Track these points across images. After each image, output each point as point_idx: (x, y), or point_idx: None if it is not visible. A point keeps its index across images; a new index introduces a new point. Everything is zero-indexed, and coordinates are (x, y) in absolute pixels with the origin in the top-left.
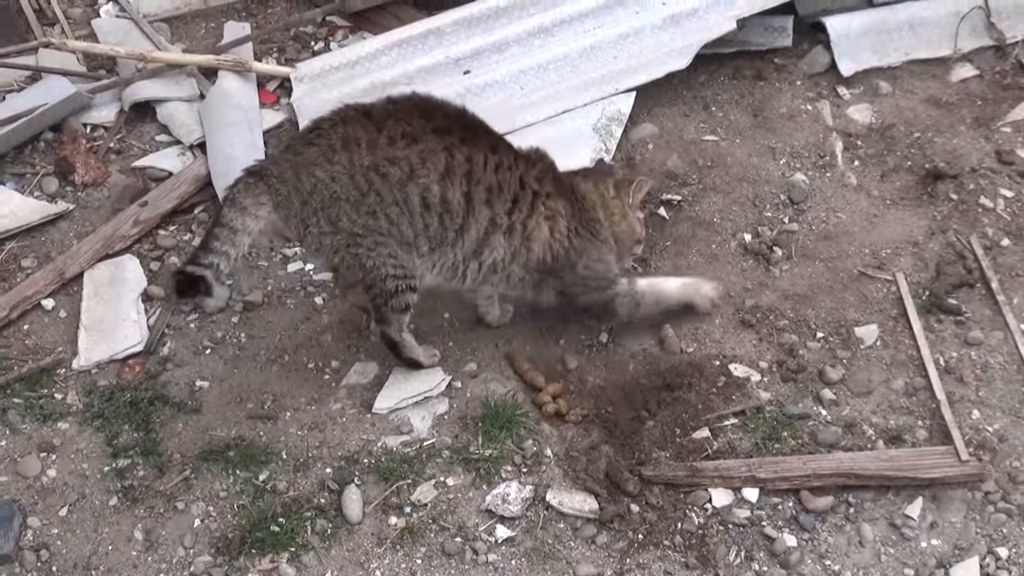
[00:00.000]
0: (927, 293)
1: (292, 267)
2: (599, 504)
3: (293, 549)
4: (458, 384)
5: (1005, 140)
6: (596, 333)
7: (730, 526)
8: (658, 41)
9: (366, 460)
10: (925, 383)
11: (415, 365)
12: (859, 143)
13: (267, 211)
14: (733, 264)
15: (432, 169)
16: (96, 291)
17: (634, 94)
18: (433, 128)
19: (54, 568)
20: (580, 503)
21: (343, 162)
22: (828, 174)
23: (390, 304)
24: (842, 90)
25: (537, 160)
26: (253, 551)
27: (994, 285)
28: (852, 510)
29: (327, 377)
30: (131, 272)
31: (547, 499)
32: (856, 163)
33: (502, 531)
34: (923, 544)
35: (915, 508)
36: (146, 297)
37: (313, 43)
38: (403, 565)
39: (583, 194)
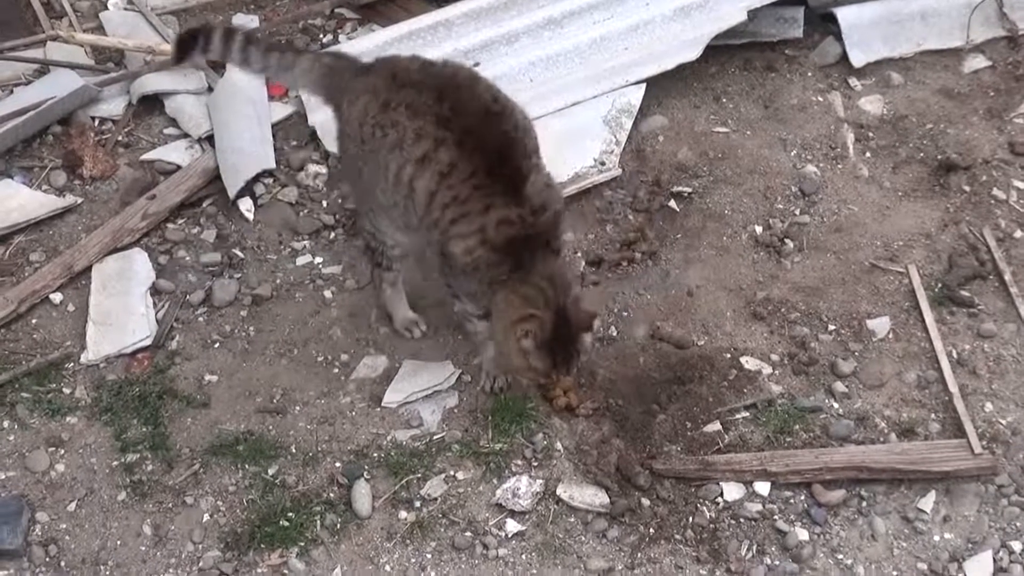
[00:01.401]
0: (939, 285)
1: (301, 260)
2: (610, 498)
3: (302, 544)
4: (468, 378)
5: (1018, 131)
6: (605, 326)
7: (742, 520)
8: (668, 32)
9: (376, 454)
10: (938, 376)
11: (389, 318)
12: (871, 134)
13: (310, 80)
14: (744, 256)
15: (416, 150)
16: (104, 285)
17: (644, 86)
18: (436, 114)
19: (63, 563)
20: (591, 497)
21: (359, 108)
22: (839, 166)
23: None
24: (853, 81)
25: (538, 213)
26: (262, 546)
27: (1007, 277)
28: (864, 504)
29: (336, 371)
30: (139, 266)
31: (557, 493)
32: (868, 155)
33: (512, 525)
34: (936, 538)
35: (928, 502)
36: (155, 291)
37: (322, 35)
38: (413, 560)
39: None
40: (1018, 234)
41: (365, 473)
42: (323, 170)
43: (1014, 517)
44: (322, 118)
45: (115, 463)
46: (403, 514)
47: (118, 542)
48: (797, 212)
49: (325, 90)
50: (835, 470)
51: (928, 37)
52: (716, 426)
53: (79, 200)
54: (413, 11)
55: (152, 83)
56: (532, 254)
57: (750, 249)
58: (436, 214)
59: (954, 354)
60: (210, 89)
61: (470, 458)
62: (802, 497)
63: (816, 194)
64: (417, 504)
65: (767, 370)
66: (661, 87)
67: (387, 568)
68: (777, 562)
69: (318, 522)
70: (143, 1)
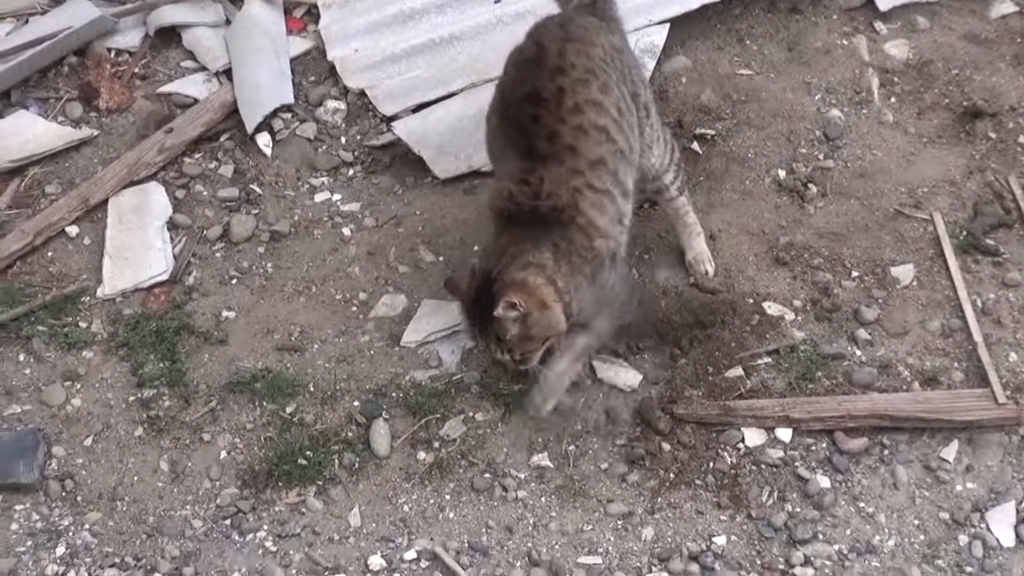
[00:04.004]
0: (964, 233)
1: (319, 197)
2: (630, 442)
3: (320, 482)
4: None
5: None
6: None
7: (763, 466)
8: None
9: (394, 394)
10: (962, 324)
11: None
12: (896, 79)
13: None
14: (767, 201)
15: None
16: (121, 218)
17: (668, 26)
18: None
19: (79, 498)
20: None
21: None
22: (864, 110)
23: None
24: (879, 25)
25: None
26: (280, 484)
27: None
28: (887, 452)
29: (355, 309)
30: (156, 200)
31: (594, 364)
32: (893, 100)
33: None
34: (958, 488)
35: (950, 451)
36: (171, 225)
37: None
38: (431, 500)
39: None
40: None
41: (384, 413)
42: (342, 106)
43: None
44: (341, 53)
45: (131, 398)
46: (422, 454)
47: (135, 478)
48: (821, 157)
49: None
50: (857, 418)
51: None
52: (738, 371)
53: (95, 132)
54: None
55: (169, 15)
56: (514, 228)
57: (773, 193)
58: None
59: (978, 303)
60: (228, 22)
61: (489, 399)
62: (824, 444)
63: (840, 139)
64: (436, 445)
65: (790, 316)
66: (684, 28)
67: (405, 508)
68: (798, 509)
69: (336, 461)
70: None
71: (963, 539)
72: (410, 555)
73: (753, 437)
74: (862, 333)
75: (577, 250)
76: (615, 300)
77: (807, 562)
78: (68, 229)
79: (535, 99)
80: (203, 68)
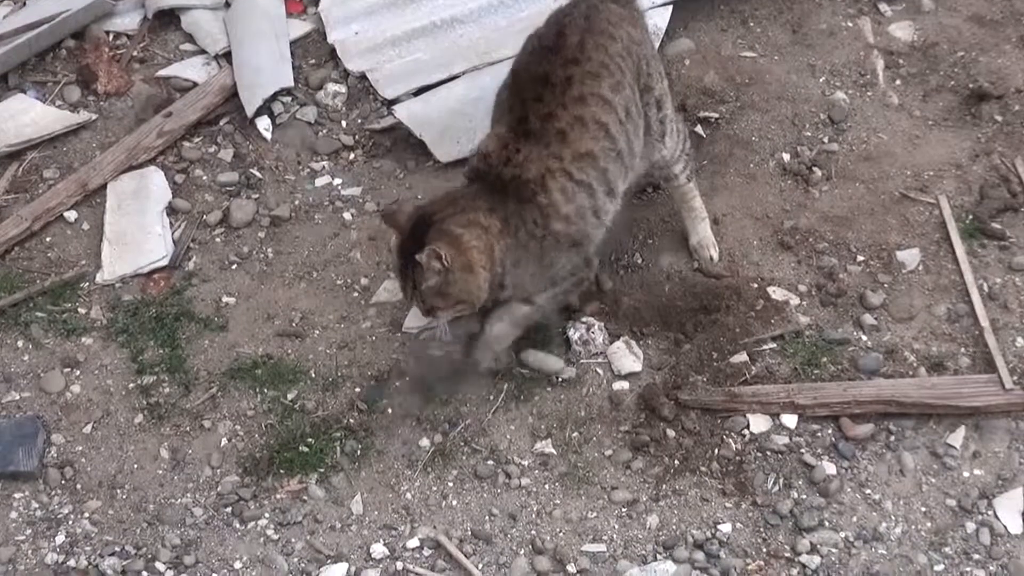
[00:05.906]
0: (970, 217)
1: (320, 181)
2: (634, 428)
3: (322, 470)
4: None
5: None
6: (631, 253)
7: (768, 453)
8: None
9: (396, 380)
10: (968, 309)
11: None
12: (901, 61)
13: None
14: (771, 184)
15: None
16: (120, 203)
17: (671, 8)
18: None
19: (79, 486)
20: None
21: None
22: (869, 93)
23: None
24: (884, 7)
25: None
26: (281, 471)
27: None
28: (893, 438)
29: (356, 295)
30: (155, 184)
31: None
32: (898, 82)
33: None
34: (965, 474)
35: (957, 437)
36: (171, 210)
37: None
38: (434, 488)
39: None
40: None
41: (386, 399)
42: (343, 89)
43: None
44: (342, 36)
45: (131, 385)
46: (424, 441)
47: (135, 465)
48: (825, 140)
49: None
50: (863, 404)
51: None
52: (743, 357)
53: (93, 116)
54: None
55: None
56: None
57: (777, 177)
58: None
59: (985, 287)
60: (227, 4)
61: (492, 385)
62: (829, 431)
63: (845, 122)
64: (438, 432)
65: (795, 301)
66: (688, 10)
67: (408, 496)
68: (804, 496)
69: (338, 448)
70: None
71: (970, 526)
72: (413, 543)
73: (758, 423)
74: (868, 318)
75: (527, 228)
76: (565, 280)
77: (813, 549)
78: (66, 214)
79: (543, 81)
80: (202, 51)
